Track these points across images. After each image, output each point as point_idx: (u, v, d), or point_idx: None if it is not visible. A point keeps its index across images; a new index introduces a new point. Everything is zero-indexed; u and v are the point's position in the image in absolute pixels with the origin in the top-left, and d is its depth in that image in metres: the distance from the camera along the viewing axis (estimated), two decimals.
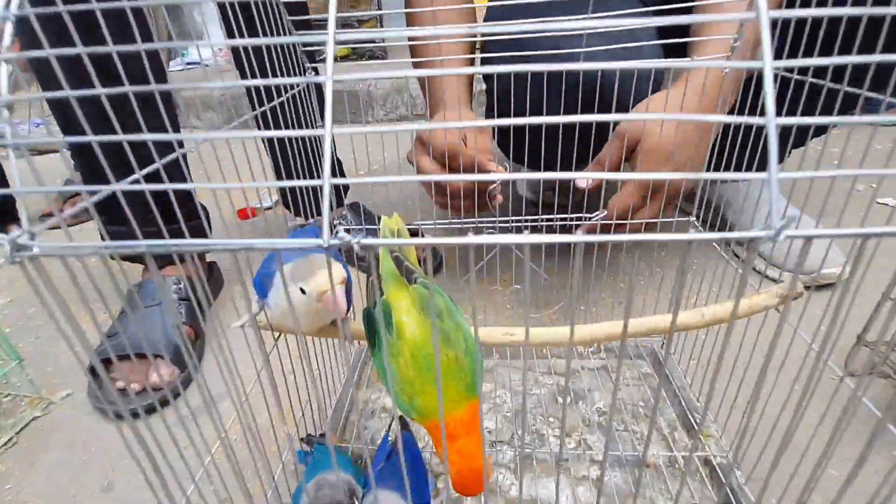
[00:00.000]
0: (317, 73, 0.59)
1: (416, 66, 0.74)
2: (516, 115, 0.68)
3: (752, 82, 0.59)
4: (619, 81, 0.60)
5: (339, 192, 0.96)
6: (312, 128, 0.57)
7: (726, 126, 0.61)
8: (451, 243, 0.17)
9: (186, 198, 0.81)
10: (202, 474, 0.37)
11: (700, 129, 0.57)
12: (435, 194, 0.67)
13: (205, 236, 0.84)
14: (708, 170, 0.63)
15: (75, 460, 0.58)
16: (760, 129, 0.24)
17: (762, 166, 0.18)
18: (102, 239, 0.27)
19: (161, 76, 0.88)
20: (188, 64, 2.14)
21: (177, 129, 0.71)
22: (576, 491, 0.49)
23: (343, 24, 1.91)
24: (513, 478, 0.51)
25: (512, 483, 0.51)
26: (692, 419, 0.55)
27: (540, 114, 0.68)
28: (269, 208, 1.20)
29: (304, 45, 0.56)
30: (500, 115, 0.70)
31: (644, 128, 0.58)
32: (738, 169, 0.58)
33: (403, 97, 1.75)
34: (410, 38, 0.74)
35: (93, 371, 0.67)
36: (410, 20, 0.75)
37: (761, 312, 0.39)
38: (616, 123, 0.61)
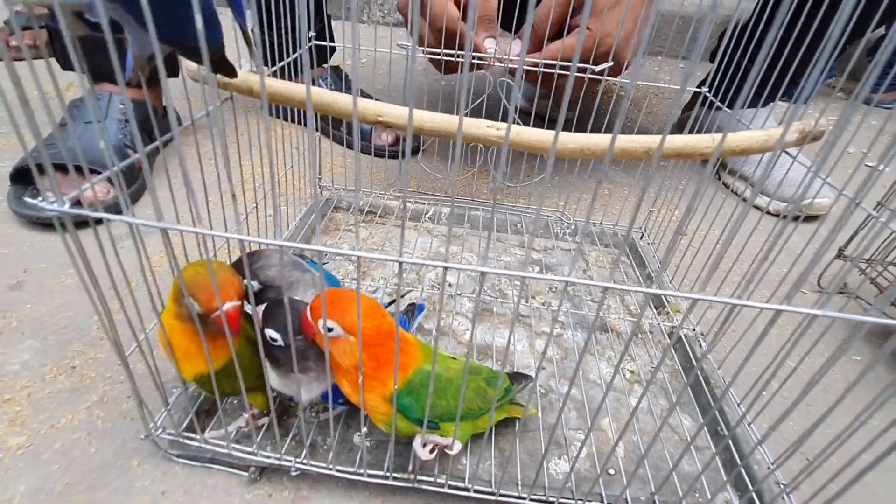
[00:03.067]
0: None
1: None
2: None
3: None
4: None
5: (325, 52, 0.87)
6: None
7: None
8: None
9: None
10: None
11: None
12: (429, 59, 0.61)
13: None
14: (705, 103, 0.58)
15: None
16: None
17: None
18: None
19: None
20: None
21: None
22: (534, 343, 0.46)
23: None
24: (468, 324, 0.47)
25: (466, 329, 0.47)
26: (663, 298, 0.52)
27: None
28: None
29: None
30: None
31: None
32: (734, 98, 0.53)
33: None
34: None
35: (15, 177, 0.60)
36: None
37: (773, 149, 0.35)
38: None
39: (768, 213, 0.72)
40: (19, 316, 0.45)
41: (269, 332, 0.29)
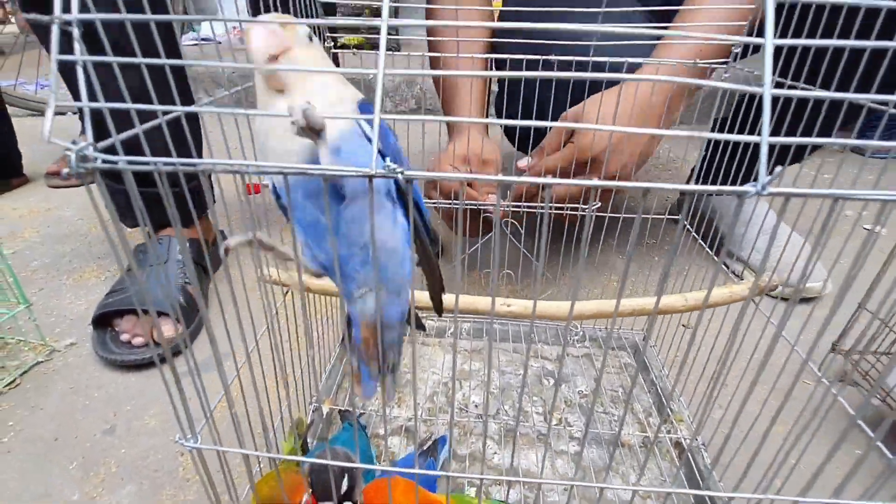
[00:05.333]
0: (337, 61, 0.62)
1: (434, 64, 0.76)
2: (524, 104, 0.71)
3: (745, 97, 0.63)
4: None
5: None
6: None
7: (717, 139, 0.65)
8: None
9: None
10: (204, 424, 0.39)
11: (645, 116, 0.61)
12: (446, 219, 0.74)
13: (203, 198, 0.86)
14: (697, 181, 0.67)
15: (77, 404, 0.61)
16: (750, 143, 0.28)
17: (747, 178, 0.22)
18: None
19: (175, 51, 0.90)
20: (201, 39, 2.14)
21: (190, 102, 0.73)
22: (555, 464, 0.53)
23: (354, 11, 1.93)
24: (496, 447, 0.54)
25: (495, 452, 0.54)
26: (667, 406, 0.58)
27: (546, 105, 0.71)
28: None
29: (331, 29, 0.59)
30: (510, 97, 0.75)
31: (584, 115, 0.63)
32: (725, 179, 0.62)
33: (413, 90, 1.78)
34: (430, 33, 0.76)
35: (97, 322, 0.70)
36: (430, 16, 0.78)
37: (739, 301, 0.43)
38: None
39: (767, 294, 0.78)
40: (116, 461, 0.54)
41: None
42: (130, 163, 0.23)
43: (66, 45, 0.23)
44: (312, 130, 0.23)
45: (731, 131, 0.70)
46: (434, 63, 0.75)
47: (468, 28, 0.70)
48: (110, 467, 0.53)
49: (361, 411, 0.56)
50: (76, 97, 0.71)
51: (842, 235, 0.43)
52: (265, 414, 0.36)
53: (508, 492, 0.49)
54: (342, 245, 0.29)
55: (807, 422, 0.31)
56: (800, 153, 0.80)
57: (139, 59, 0.24)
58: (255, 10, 0.78)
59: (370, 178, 0.21)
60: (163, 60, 0.24)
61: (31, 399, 0.61)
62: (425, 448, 0.49)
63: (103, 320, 0.70)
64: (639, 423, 0.58)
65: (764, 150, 0.19)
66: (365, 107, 0.32)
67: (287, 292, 0.47)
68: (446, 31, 0.74)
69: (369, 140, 0.29)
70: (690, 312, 0.47)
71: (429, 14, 0.79)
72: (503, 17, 0.92)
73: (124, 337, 0.68)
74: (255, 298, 0.37)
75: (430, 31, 0.75)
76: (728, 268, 0.89)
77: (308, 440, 0.51)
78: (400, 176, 0.20)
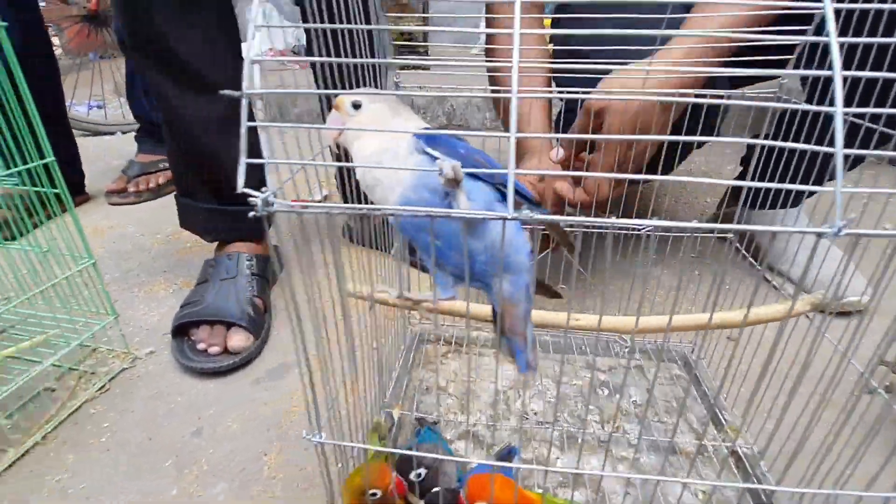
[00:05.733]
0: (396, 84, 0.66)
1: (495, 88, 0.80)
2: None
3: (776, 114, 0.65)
4: None
5: None
6: None
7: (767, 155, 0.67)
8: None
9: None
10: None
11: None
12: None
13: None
14: (746, 202, 0.69)
15: (162, 409, 0.66)
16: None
17: (789, 196, 0.25)
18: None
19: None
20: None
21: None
22: (616, 468, 0.56)
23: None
24: (558, 452, 0.57)
25: (558, 457, 0.57)
26: (720, 416, 0.61)
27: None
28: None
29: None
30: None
31: (608, 105, 0.63)
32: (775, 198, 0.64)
33: (444, 107, 1.84)
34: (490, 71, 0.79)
35: (175, 332, 0.75)
36: (490, 53, 0.83)
37: (795, 317, 0.45)
38: None
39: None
40: (206, 460, 0.58)
41: None
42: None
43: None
44: (455, 181, 0.28)
45: (769, 149, 0.71)
46: (496, 85, 0.79)
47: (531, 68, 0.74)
48: (202, 466, 0.57)
49: (435, 420, 0.60)
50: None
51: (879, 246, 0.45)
52: (362, 413, 0.40)
53: (573, 494, 0.52)
54: (475, 262, 0.34)
55: (866, 434, 0.34)
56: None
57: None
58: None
59: (504, 219, 0.26)
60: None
61: (119, 403, 0.67)
62: (500, 457, 0.52)
63: (181, 330, 0.75)
64: (693, 432, 0.60)
65: (839, 198, 0.23)
66: (429, 139, 0.37)
67: (371, 307, 0.51)
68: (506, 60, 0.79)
69: (477, 178, 0.35)
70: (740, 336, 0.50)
71: (488, 52, 0.83)
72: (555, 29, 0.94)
73: (200, 346, 0.73)
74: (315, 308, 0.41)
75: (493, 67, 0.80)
76: (769, 281, 0.91)
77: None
78: (530, 217, 0.24)
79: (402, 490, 0.43)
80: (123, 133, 1.93)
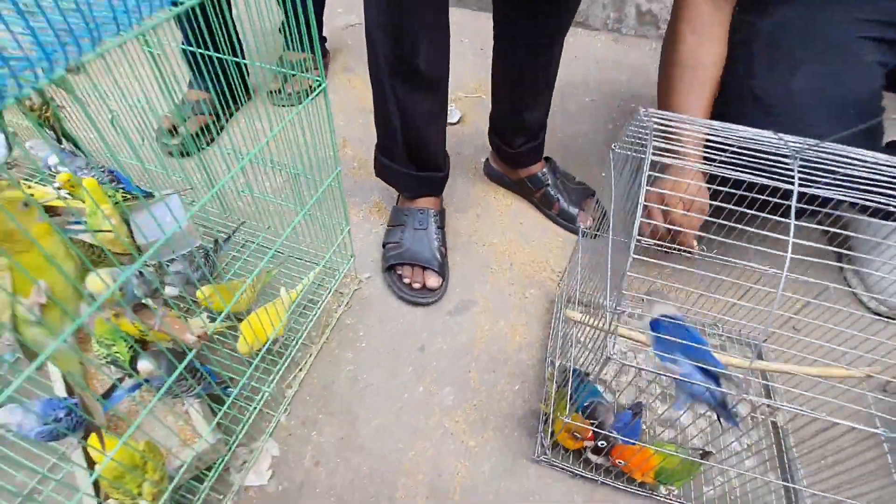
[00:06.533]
0: None
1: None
2: None
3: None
4: None
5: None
6: None
7: None
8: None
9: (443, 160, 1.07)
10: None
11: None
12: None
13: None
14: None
15: (391, 328, 0.97)
16: None
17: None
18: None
19: None
20: None
21: None
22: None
23: None
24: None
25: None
26: None
27: None
28: (455, 123, 1.42)
29: None
30: None
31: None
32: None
33: None
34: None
35: (386, 269, 1.03)
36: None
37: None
38: None
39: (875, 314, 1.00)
40: (435, 370, 0.91)
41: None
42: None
43: None
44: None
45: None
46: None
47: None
48: (432, 373, 0.91)
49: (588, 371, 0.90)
50: None
51: None
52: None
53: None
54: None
55: None
56: None
57: None
58: None
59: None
60: None
61: (363, 318, 0.98)
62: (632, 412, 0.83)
63: (390, 267, 1.03)
64: None
65: None
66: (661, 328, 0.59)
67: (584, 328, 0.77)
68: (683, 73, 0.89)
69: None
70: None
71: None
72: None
73: (406, 280, 1.02)
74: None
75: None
76: (847, 281, 1.09)
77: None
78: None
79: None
80: None
